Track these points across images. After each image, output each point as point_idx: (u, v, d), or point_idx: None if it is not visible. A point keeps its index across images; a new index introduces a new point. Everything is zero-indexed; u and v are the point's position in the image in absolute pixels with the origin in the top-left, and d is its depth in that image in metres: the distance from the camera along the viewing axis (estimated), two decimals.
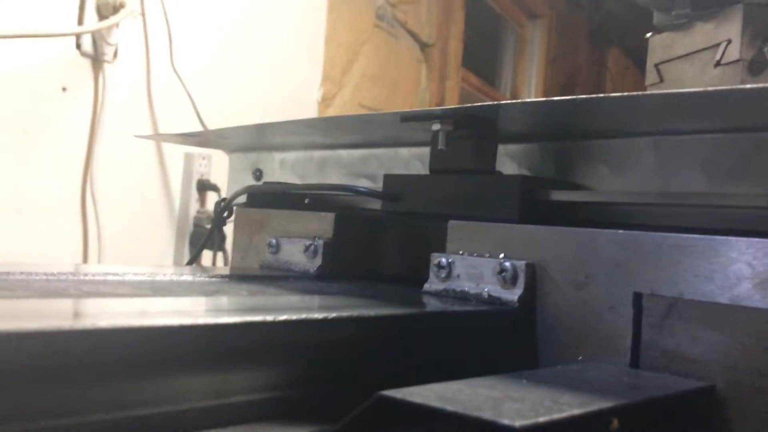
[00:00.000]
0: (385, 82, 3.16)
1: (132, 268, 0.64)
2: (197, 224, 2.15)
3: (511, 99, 4.78)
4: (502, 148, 0.72)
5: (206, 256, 2.17)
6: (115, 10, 1.79)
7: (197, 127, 2.05)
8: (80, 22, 1.76)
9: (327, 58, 2.74)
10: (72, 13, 1.76)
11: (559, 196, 0.65)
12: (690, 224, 0.59)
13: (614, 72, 6.45)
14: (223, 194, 1.09)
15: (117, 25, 1.81)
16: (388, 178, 0.76)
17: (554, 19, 5.09)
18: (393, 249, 0.81)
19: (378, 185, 0.80)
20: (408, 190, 0.74)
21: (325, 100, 2.77)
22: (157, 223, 2.09)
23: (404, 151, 0.85)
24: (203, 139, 1.09)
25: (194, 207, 2.16)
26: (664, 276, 0.51)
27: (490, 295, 0.59)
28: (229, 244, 1.02)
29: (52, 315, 0.37)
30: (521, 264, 0.58)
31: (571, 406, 0.37)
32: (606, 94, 0.55)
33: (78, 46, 1.78)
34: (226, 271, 0.76)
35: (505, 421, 0.33)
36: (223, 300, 0.49)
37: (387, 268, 0.81)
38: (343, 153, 0.91)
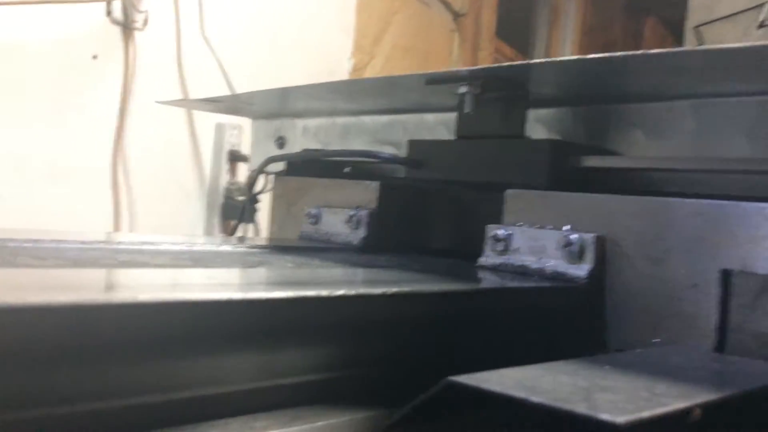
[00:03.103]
0: (416, 53, 3.09)
1: (168, 237, 0.61)
2: (228, 195, 2.13)
3: None
4: (532, 113, 0.68)
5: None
6: None
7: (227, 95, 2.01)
8: None
9: (358, 27, 2.68)
10: None
11: (592, 161, 0.61)
12: (732, 192, 0.54)
13: (651, 44, 6.27)
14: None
15: None
16: (413, 144, 0.72)
17: None
18: (440, 220, 0.77)
19: (403, 152, 0.76)
20: (433, 156, 0.70)
21: (356, 70, 2.71)
22: (187, 194, 2.07)
23: (430, 117, 0.81)
24: (227, 105, 1.05)
25: (225, 178, 2.13)
26: (757, 251, 0.45)
27: (554, 270, 0.54)
28: (262, 214, 0.98)
29: (87, 287, 0.34)
30: (590, 237, 0.53)
31: (671, 398, 0.33)
32: (644, 51, 0.50)
33: (108, 14, 1.75)
34: (265, 242, 0.72)
35: (605, 417, 0.28)
36: (269, 272, 0.45)
37: (433, 240, 0.76)
38: (367, 119, 0.87)
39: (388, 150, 0.83)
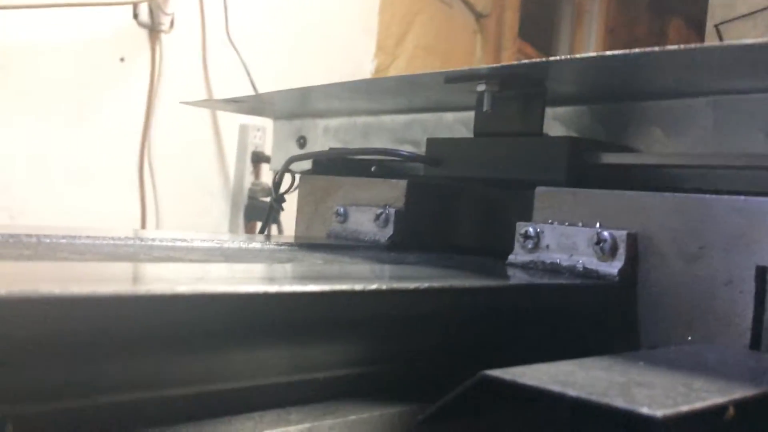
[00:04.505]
0: (438, 53, 3.08)
1: (198, 234, 0.61)
2: (252, 196, 2.14)
3: None
4: (549, 111, 0.68)
5: (259, 226, 2.17)
6: None
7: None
8: None
9: (381, 28, 2.68)
10: None
11: (610, 158, 0.60)
12: (752, 189, 0.53)
13: (675, 43, 6.18)
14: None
15: None
16: (432, 142, 0.72)
17: None
18: (465, 217, 0.77)
19: (422, 150, 0.77)
20: (451, 154, 0.70)
21: (379, 72, 2.71)
22: (212, 194, 2.08)
23: (448, 116, 0.81)
24: (249, 105, 1.06)
25: (249, 179, 2.15)
26: None
27: (585, 268, 0.54)
28: (285, 215, 0.99)
29: (128, 279, 0.34)
30: (621, 234, 0.53)
31: (709, 393, 0.32)
32: (663, 48, 0.50)
33: (135, 16, 1.77)
34: (293, 239, 0.73)
35: (644, 410, 0.28)
36: (300, 268, 0.46)
37: (461, 238, 0.76)
38: (387, 119, 0.87)
39: (407, 148, 0.84)
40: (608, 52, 0.52)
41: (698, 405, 0.30)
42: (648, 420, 0.28)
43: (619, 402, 0.29)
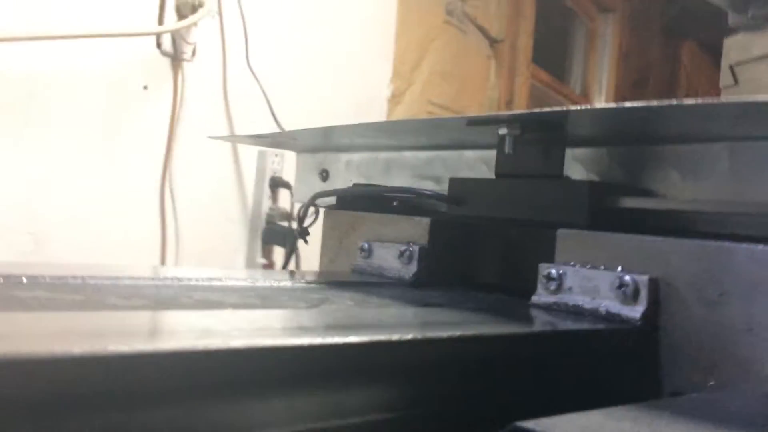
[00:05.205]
0: (454, 79, 3.12)
1: (230, 272, 0.63)
2: (269, 221, 2.17)
3: (581, 95, 4.65)
4: (569, 152, 0.70)
5: (278, 252, 2.19)
6: (194, 9, 1.81)
7: (271, 124, 2.06)
8: (161, 21, 1.79)
9: (397, 54, 2.72)
10: (153, 12, 1.79)
11: (630, 202, 0.62)
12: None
13: (689, 67, 6.21)
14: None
15: (196, 24, 1.83)
16: (454, 182, 0.74)
17: (627, 13, 4.93)
18: (486, 255, 0.78)
19: (443, 187, 0.79)
20: (473, 194, 0.72)
21: (395, 97, 2.75)
22: (231, 219, 2.11)
23: (469, 154, 0.83)
24: (274, 140, 1.09)
25: (267, 204, 2.18)
26: None
27: (608, 311, 0.55)
28: (306, 247, 1.00)
29: (180, 331, 0.36)
30: (643, 279, 0.54)
31: None
32: (680, 102, 0.52)
33: (158, 45, 1.81)
34: (321, 276, 0.75)
35: None
36: (335, 313, 0.47)
37: (483, 274, 0.78)
38: (408, 155, 0.89)
39: (429, 184, 0.86)
40: (627, 104, 0.54)
41: None
42: None
43: None
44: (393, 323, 0.46)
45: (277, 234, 2.14)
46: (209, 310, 0.41)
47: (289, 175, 2.13)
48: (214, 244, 2.05)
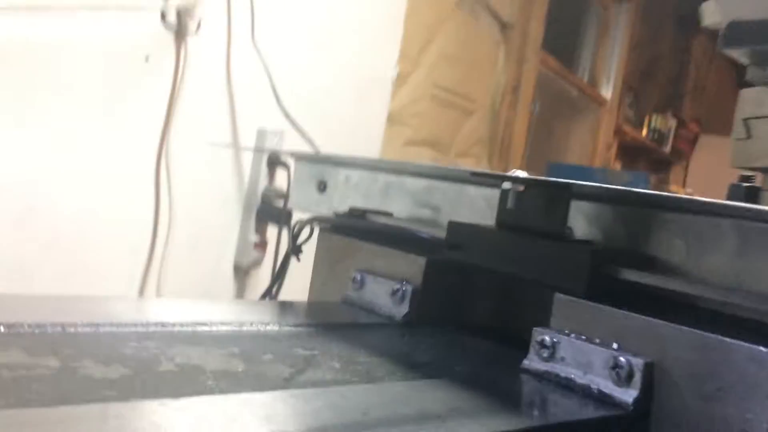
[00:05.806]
0: (461, 63, 3.07)
1: (216, 313, 0.62)
2: (264, 200, 2.15)
3: (588, 84, 4.61)
4: (573, 205, 0.67)
5: (271, 231, 2.18)
6: None
7: (272, 102, 2.03)
8: None
9: (405, 36, 2.67)
10: None
11: (632, 275, 0.60)
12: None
13: (698, 60, 6.15)
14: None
15: None
16: (452, 226, 0.72)
17: (641, 3, 4.85)
18: (483, 300, 0.77)
19: (441, 217, 0.78)
20: (472, 241, 0.70)
21: (400, 78, 2.70)
22: (226, 195, 2.09)
23: (471, 190, 0.80)
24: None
25: (263, 182, 2.16)
26: None
27: (600, 391, 0.54)
28: (298, 268, 0.98)
29: None
30: (639, 362, 0.53)
31: None
32: (689, 197, 0.54)
33: (162, 17, 1.77)
34: (310, 314, 0.73)
35: None
36: (313, 401, 0.45)
37: (475, 317, 0.76)
38: (408, 180, 0.87)
39: (427, 212, 0.84)
40: (633, 189, 0.53)
41: None
42: None
43: None
44: (376, 402, 0.44)
45: (271, 212, 2.13)
46: (183, 399, 0.40)
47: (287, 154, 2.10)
48: (209, 217, 2.04)
